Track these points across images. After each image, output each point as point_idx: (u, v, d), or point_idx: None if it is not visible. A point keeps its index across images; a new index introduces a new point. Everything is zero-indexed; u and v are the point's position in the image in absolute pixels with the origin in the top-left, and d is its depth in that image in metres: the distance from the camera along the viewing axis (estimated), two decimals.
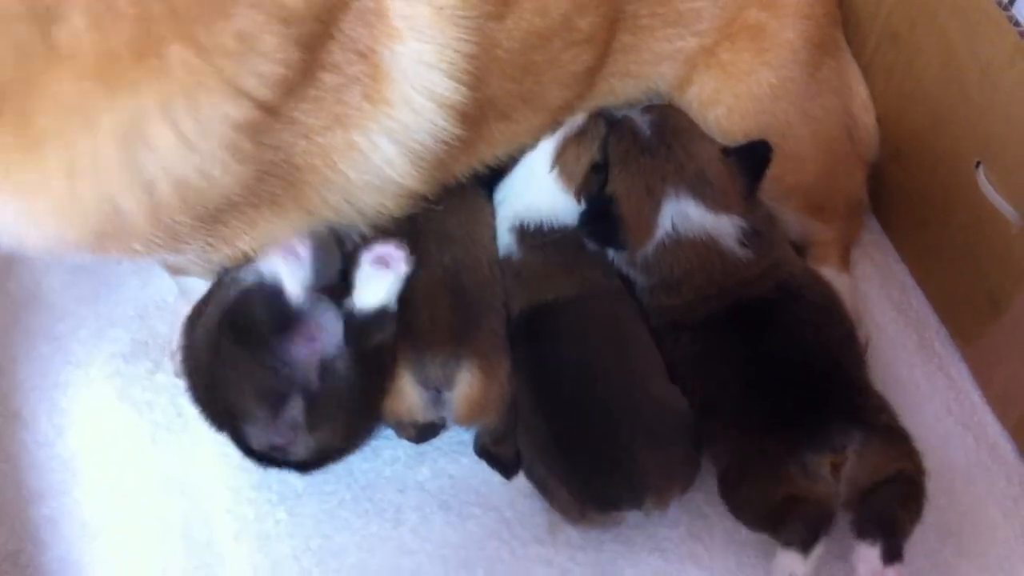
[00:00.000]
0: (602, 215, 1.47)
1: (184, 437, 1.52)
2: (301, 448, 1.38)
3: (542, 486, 1.42)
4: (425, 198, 1.43)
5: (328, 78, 1.18)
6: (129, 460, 1.51)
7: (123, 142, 1.04)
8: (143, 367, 1.58)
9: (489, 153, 1.49)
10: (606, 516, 1.40)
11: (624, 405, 1.36)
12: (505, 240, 1.52)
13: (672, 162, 1.47)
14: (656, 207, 1.45)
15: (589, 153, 1.56)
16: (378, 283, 1.35)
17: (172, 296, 1.63)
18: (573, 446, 1.36)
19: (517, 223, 1.52)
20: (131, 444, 1.52)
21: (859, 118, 1.62)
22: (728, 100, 1.54)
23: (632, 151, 1.50)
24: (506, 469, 1.48)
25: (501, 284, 1.50)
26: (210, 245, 1.27)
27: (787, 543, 1.25)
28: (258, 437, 1.38)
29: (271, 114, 1.13)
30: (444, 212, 1.49)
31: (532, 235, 1.50)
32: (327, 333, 1.36)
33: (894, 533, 1.23)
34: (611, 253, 1.49)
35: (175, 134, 1.06)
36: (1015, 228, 1.41)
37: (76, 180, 1.05)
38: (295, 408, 1.34)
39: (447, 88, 1.24)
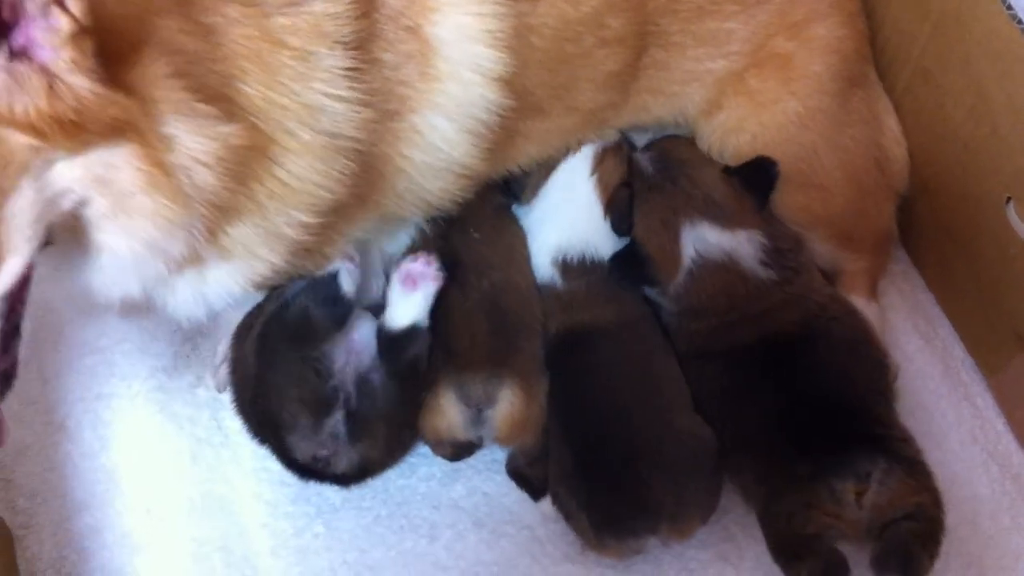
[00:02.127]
0: (630, 258, 1.51)
1: (224, 452, 1.56)
2: (343, 460, 1.42)
3: (564, 511, 1.45)
4: (464, 224, 1.49)
5: (387, 57, 1.25)
6: (170, 473, 1.55)
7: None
8: (185, 381, 1.61)
9: (524, 150, 1.54)
10: (622, 544, 1.42)
11: (646, 436, 1.39)
12: (548, 271, 1.55)
13: (679, 193, 1.52)
14: (676, 239, 1.48)
15: (622, 168, 1.59)
16: (408, 302, 1.40)
17: None
18: (594, 474, 1.39)
19: (560, 257, 1.54)
20: (172, 457, 1.56)
21: (889, 150, 1.64)
22: (753, 128, 1.58)
23: (642, 191, 1.55)
24: (535, 491, 1.51)
25: (540, 307, 1.53)
26: (306, 250, 1.34)
27: None
28: (301, 448, 1.41)
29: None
30: (481, 241, 1.54)
31: (575, 268, 1.53)
32: (364, 346, 1.41)
33: (912, 568, 1.26)
34: (647, 290, 1.52)
35: None
36: None
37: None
38: (337, 419, 1.38)
39: (490, 59, 1.30)
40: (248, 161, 1.13)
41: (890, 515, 1.28)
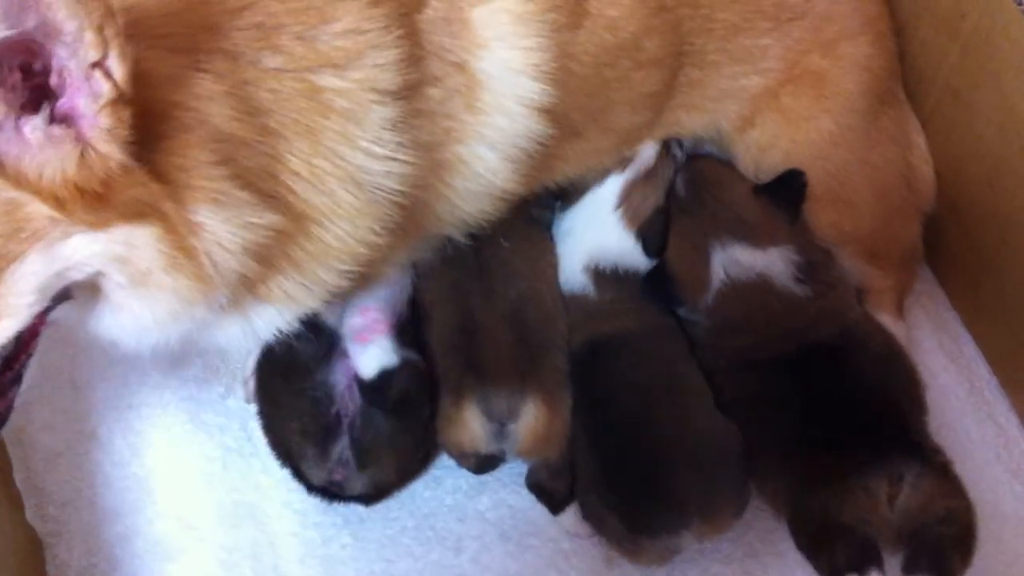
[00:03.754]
0: (658, 278, 1.52)
1: (254, 461, 1.57)
2: (357, 484, 1.44)
3: (595, 517, 1.46)
4: (493, 233, 1.50)
5: (434, 92, 1.25)
6: (200, 482, 1.56)
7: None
8: (215, 391, 1.63)
9: (560, 170, 1.55)
10: (657, 543, 1.42)
11: (671, 435, 1.40)
12: (579, 279, 1.55)
13: (708, 215, 1.53)
14: (705, 261, 1.49)
15: (656, 194, 1.59)
16: (367, 355, 1.38)
17: None
18: (623, 477, 1.40)
19: (592, 265, 1.55)
20: (202, 466, 1.57)
21: (918, 168, 1.65)
22: (786, 145, 1.58)
23: (675, 213, 1.56)
24: (555, 504, 1.51)
25: (564, 319, 1.54)
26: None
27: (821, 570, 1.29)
28: (314, 474, 1.44)
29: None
30: (509, 249, 1.54)
31: (609, 277, 1.54)
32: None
33: (944, 569, 1.26)
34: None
35: None
36: None
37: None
38: (343, 445, 1.39)
39: (535, 91, 1.32)
40: (281, 243, 1.12)
41: (921, 519, 1.28)
